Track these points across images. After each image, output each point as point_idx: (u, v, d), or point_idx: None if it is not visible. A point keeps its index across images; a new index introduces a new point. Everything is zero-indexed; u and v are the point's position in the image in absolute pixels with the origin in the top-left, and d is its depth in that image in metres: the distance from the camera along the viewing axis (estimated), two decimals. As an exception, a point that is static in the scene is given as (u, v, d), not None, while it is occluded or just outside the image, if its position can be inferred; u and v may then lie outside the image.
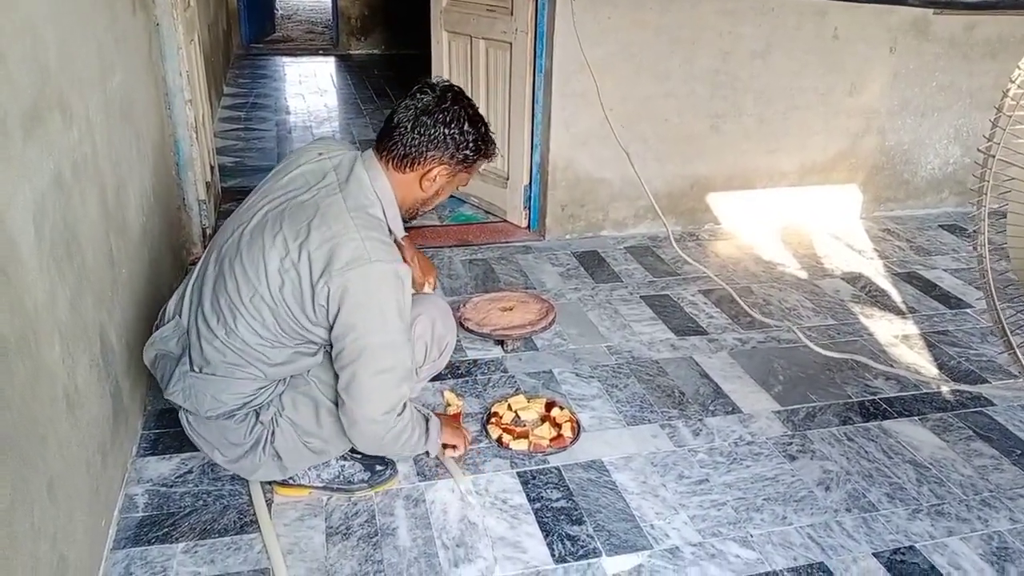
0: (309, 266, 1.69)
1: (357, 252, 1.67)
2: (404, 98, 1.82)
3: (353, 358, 1.74)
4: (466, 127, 1.80)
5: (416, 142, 1.78)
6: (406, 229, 1.96)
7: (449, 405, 2.43)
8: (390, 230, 1.84)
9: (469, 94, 3.99)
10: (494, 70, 3.77)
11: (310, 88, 7.19)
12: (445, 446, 2.15)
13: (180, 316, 1.91)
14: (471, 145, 1.82)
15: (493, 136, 1.90)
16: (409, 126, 1.78)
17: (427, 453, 2.09)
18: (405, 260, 2.01)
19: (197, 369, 1.84)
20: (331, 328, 1.74)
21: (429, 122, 1.78)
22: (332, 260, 1.67)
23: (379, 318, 1.72)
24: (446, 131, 1.78)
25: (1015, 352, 2.05)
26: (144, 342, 1.99)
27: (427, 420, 2.00)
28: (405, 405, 1.83)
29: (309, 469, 2.01)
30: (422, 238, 3.74)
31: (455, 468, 2.15)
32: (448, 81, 1.86)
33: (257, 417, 1.87)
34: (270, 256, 1.73)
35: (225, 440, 1.89)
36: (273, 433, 1.88)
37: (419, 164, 1.81)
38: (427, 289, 2.26)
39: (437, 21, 4.01)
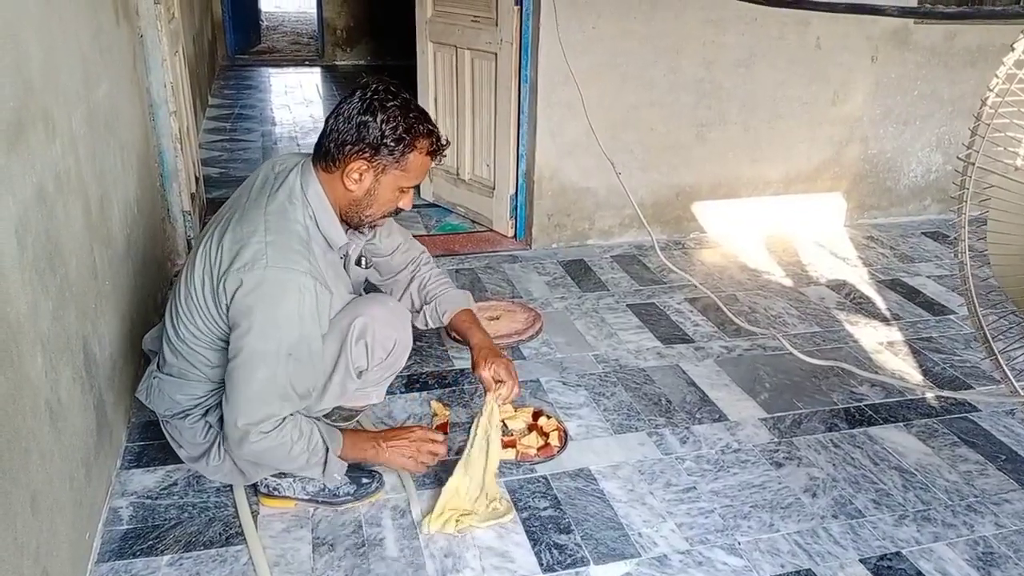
0: (220, 265, 1.71)
1: (256, 255, 1.67)
2: None
3: (232, 356, 1.72)
4: (379, 116, 1.71)
5: (335, 139, 1.73)
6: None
7: (436, 415, 2.43)
8: (327, 241, 1.82)
9: (455, 104, 4.03)
10: (480, 81, 3.78)
11: (296, 99, 7.18)
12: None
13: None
14: (388, 135, 1.71)
15: (432, 129, 1.79)
16: (331, 124, 1.75)
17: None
18: (481, 369, 2.02)
19: (159, 368, 1.93)
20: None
21: (344, 117, 1.73)
22: (234, 260, 1.68)
23: (262, 323, 1.67)
24: (359, 121, 1.71)
25: (997, 358, 2.06)
26: (128, 354, 2.03)
27: (326, 451, 1.84)
28: (282, 424, 1.73)
29: (294, 481, 2.00)
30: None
31: (411, 489, 2.10)
32: (385, 78, 1.79)
33: (205, 418, 1.90)
34: (199, 259, 1.77)
35: (185, 439, 1.94)
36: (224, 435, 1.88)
37: (340, 161, 1.74)
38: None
39: (422, 32, 4.02)
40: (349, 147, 1.73)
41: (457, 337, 2.25)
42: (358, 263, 2.04)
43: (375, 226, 1.93)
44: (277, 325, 1.67)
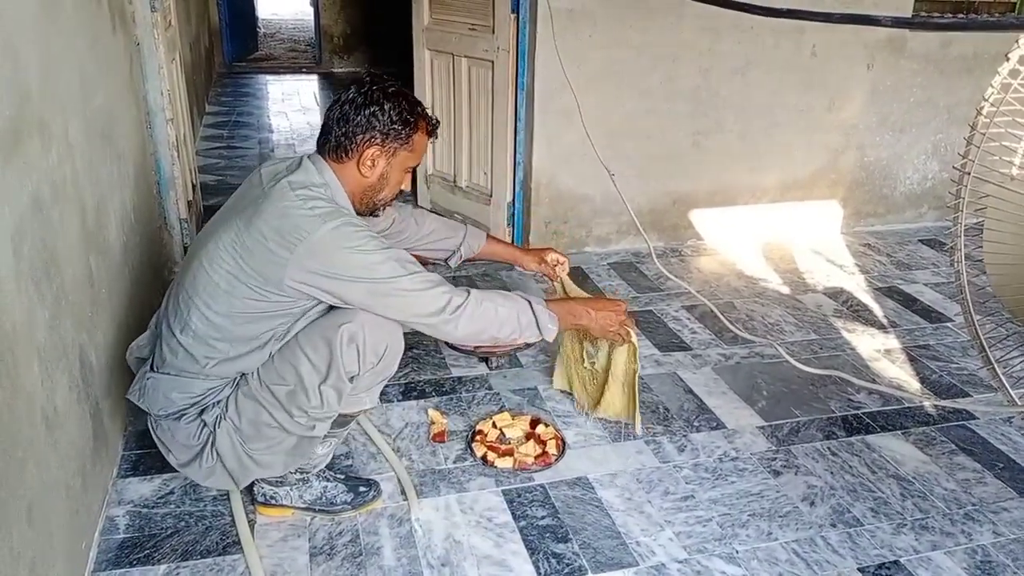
0: (265, 246, 1.73)
1: (308, 223, 1.73)
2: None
3: (375, 306, 1.82)
4: (385, 104, 1.85)
5: (344, 131, 1.86)
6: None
7: (433, 423, 2.42)
8: None
9: (452, 111, 4.05)
10: (476, 88, 3.79)
11: (293, 106, 7.19)
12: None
13: (155, 326, 1.99)
14: (395, 120, 1.86)
15: (426, 110, 1.95)
16: (336, 118, 1.87)
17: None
18: (542, 264, 2.48)
19: (155, 369, 1.91)
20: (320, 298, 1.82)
21: (351, 110, 1.85)
22: (287, 238, 1.72)
23: (360, 263, 1.76)
24: (367, 112, 1.84)
25: (994, 367, 2.07)
26: (124, 362, 2.03)
27: (531, 304, 2.01)
28: (465, 295, 1.87)
29: (291, 489, 2.00)
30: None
31: (411, 489, 2.14)
32: (368, 70, 1.96)
33: (201, 417, 1.88)
34: (223, 242, 1.78)
35: (176, 442, 1.90)
36: (216, 436, 1.87)
37: (353, 151, 1.87)
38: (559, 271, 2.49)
39: (419, 40, 4.03)
40: (361, 136, 1.85)
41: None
42: None
43: (386, 207, 2.04)
44: (368, 250, 1.76)
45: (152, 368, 1.93)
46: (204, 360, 1.84)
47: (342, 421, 2.03)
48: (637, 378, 2.32)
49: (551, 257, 2.48)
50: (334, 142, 1.87)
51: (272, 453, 1.89)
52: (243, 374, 1.88)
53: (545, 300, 2.08)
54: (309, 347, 1.82)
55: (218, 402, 1.89)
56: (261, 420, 1.85)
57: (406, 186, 2.02)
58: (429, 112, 1.96)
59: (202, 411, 1.88)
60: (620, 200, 3.59)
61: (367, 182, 1.91)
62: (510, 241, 3.88)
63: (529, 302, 2.01)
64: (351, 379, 1.90)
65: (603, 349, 2.41)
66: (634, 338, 2.23)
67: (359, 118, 1.84)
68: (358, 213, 1.92)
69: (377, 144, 1.87)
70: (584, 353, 2.49)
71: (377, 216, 2.05)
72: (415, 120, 1.90)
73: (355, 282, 1.77)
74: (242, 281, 1.76)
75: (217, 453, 1.88)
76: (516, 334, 1.98)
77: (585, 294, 2.43)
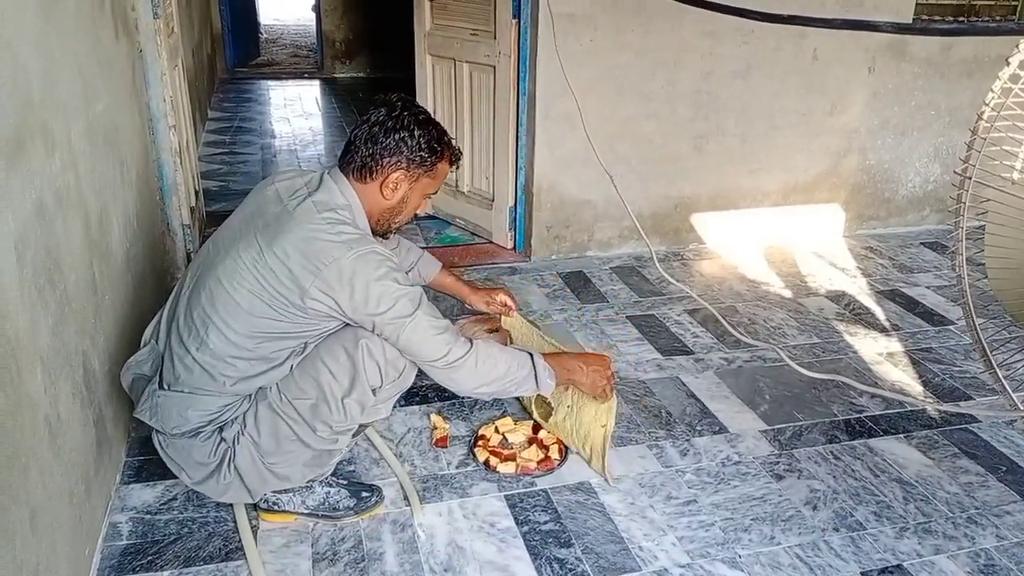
0: (287, 266, 1.74)
1: (334, 249, 1.74)
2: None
3: (380, 333, 1.84)
4: (415, 131, 1.87)
5: (371, 152, 1.86)
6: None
7: (436, 428, 2.42)
8: None
9: (454, 117, 4.06)
10: (478, 93, 3.80)
11: (295, 111, 7.20)
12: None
13: (156, 341, 1.98)
14: (423, 147, 1.88)
15: (451, 140, 1.97)
16: (363, 138, 1.87)
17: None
18: (493, 303, 2.50)
19: (166, 387, 1.89)
20: (343, 320, 1.84)
21: (380, 132, 1.86)
22: (314, 261, 1.73)
23: (376, 300, 1.77)
24: (396, 137, 1.86)
25: (996, 372, 2.07)
26: (128, 369, 2.02)
27: (532, 359, 2.02)
28: (468, 347, 1.89)
29: (294, 495, 2.00)
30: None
31: (413, 494, 2.14)
32: (398, 94, 1.94)
33: (221, 434, 1.87)
34: (244, 261, 1.78)
35: (191, 459, 1.89)
36: (235, 452, 1.87)
37: (377, 172, 1.88)
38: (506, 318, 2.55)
39: (421, 45, 4.04)
40: (387, 159, 1.87)
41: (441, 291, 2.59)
42: None
43: (399, 230, 2.07)
44: (388, 282, 1.78)
45: (162, 385, 1.90)
46: (222, 378, 1.83)
47: (356, 431, 2.04)
48: (609, 435, 2.18)
49: (500, 298, 2.50)
50: (359, 162, 1.87)
51: (291, 465, 1.90)
52: (260, 388, 1.88)
53: (543, 353, 2.09)
54: (330, 360, 1.83)
55: (236, 418, 1.88)
56: (282, 434, 1.86)
57: (422, 210, 2.04)
58: (454, 142, 1.99)
59: (221, 428, 1.88)
60: (622, 204, 3.59)
61: (387, 204, 1.92)
62: (511, 246, 3.89)
63: (531, 356, 2.03)
64: (374, 391, 1.91)
65: (572, 400, 2.29)
66: (614, 398, 2.17)
67: (388, 141, 1.85)
68: (372, 232, 1.93)
69: (403, 169, 1.88)
70: (535, 403, 2.43)
71: (388, 238, 2.06)
72: (441, 149, 1.92)
73: (370, 312, 1.79)
74: (264, 301, 1.77)
75: (236, 469, 1.88)
76: (514, 388, 2.00)
77: (537, 328, 2.47)
